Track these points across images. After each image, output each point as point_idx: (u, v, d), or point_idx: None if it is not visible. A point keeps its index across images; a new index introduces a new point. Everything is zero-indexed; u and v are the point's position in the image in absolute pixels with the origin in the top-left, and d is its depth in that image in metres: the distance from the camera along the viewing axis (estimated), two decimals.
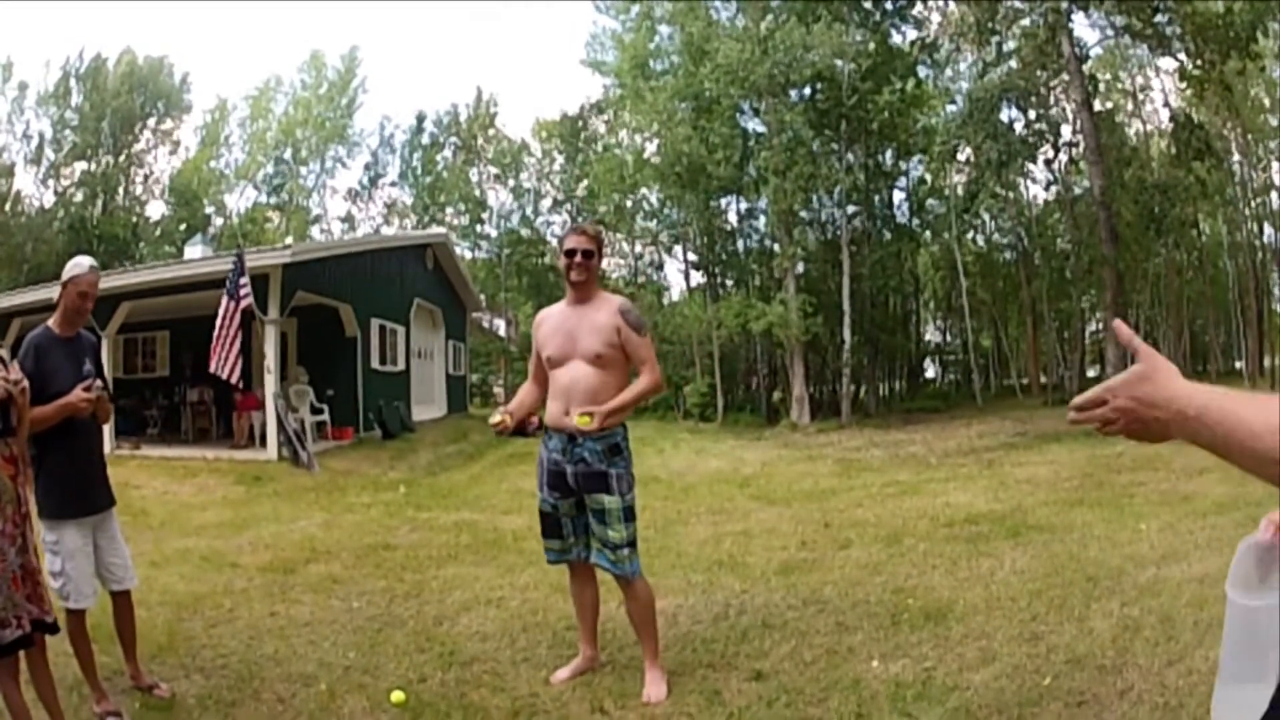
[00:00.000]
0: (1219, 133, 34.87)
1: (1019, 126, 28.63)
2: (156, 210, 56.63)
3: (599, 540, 5.65)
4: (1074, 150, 29.00)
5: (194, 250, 27.91)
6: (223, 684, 5.73)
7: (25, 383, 4.56)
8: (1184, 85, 28.02)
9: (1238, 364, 46.73)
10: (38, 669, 4.56)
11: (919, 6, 37.70)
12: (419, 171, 59.32)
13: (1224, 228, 44.51)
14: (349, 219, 60.83)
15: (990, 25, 26.94)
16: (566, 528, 5.78)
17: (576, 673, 5.80)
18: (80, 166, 52.18)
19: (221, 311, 17.11)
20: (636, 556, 5.70)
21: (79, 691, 5.26)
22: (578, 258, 5.77)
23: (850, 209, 37.65)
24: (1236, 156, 39.54)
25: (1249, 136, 39.23)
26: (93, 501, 5.32)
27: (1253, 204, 41.71)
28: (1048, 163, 31.82)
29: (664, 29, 39.94)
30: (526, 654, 6.27)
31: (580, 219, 53.71)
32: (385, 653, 6.36)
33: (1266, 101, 38.76)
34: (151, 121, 54.93)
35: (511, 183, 57.53)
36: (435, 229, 48.53)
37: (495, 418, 5.78)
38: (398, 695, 5.38)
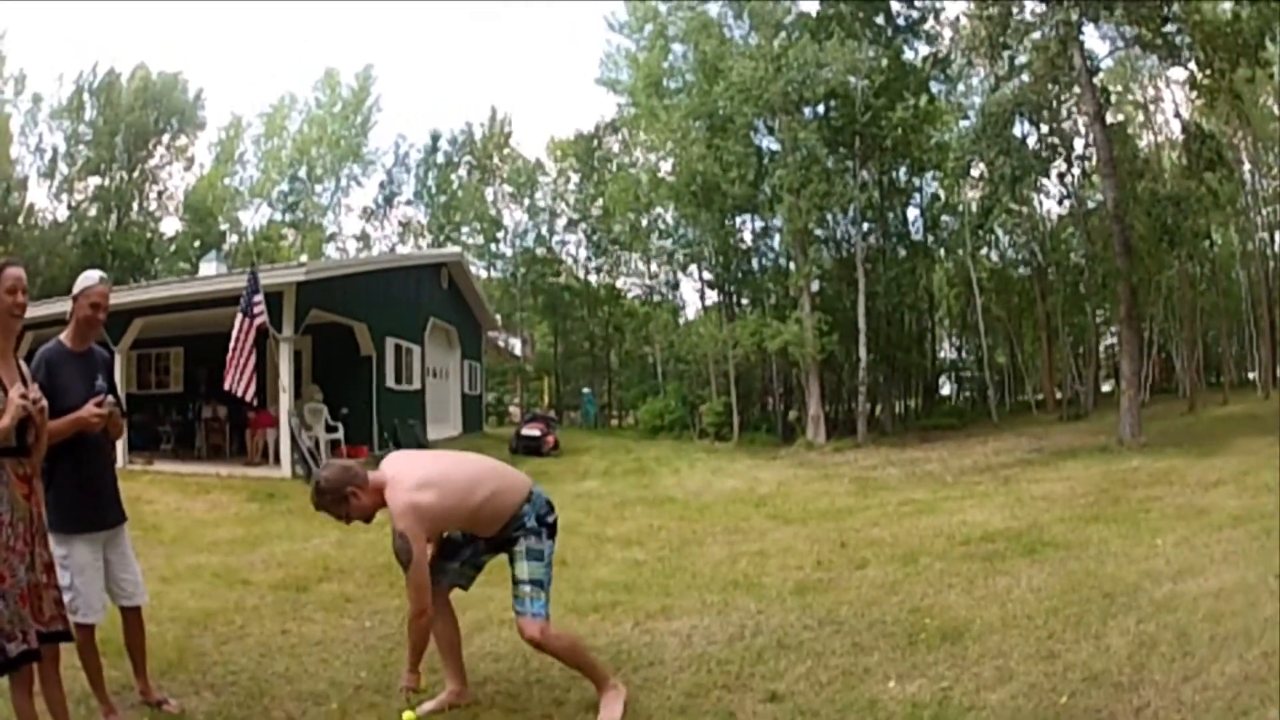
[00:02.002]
0: (1230, 142, 34.78)
1: (1032, 141, 28.56)
2: (171, 226, 56.98)
3: (511, 580, 5.61)
4: (1087, 164, 28.93)
5: (208, 267, 28.03)
6: (233, 701, 5.71)
7: (44, 402, 4.55)
8: (1194, 95, 27.94)
9: (1251, 375, 46.66)
10: (49, 682, 4.56)
11: (931, 22, 37.83)
12: (434, 190, 59.56)
13: (1236, 238, 44.45)
14: (364, 237, 61.14)
15: (1001, 39, 26.87)
16: (464, 554, 5.83)
17: (443, 706, 5.67)
18: (94, 181, 52.39)
19: (236, 329, 17.12)
20: (543, 598, 5.54)
21: (87, 704, 5.24)
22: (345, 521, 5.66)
23: (865, 226, 37.77)
24: (1247, 166, 39.54)
25: (1259, 145, 39.21)
26: (103, 516, 5.31)
27: (1264, 213, 41.69)
28: (1061, 177, 31.69)
29: (678, 48, 40.10)
30: (539, 675, 6.22)
31: (595, 238, 53.93)
32: (397, 672, 6.29)
33: (1276, 109, 38.71)
34: (165, 137, 55.11)
35: (526, 202, 57.80)
36: (450, 248, 48.71)
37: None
38: (409, 715, 5.34)
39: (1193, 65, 25.44)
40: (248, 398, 17.39)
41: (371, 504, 5.43)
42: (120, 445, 5.83)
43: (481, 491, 5.54)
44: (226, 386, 17.19)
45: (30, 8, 70.33)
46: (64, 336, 5.30)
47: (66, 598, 4.87)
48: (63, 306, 5.63)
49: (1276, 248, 42.93)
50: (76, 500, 5.11)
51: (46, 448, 4.70)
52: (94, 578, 5.16)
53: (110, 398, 5.15)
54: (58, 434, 4.81)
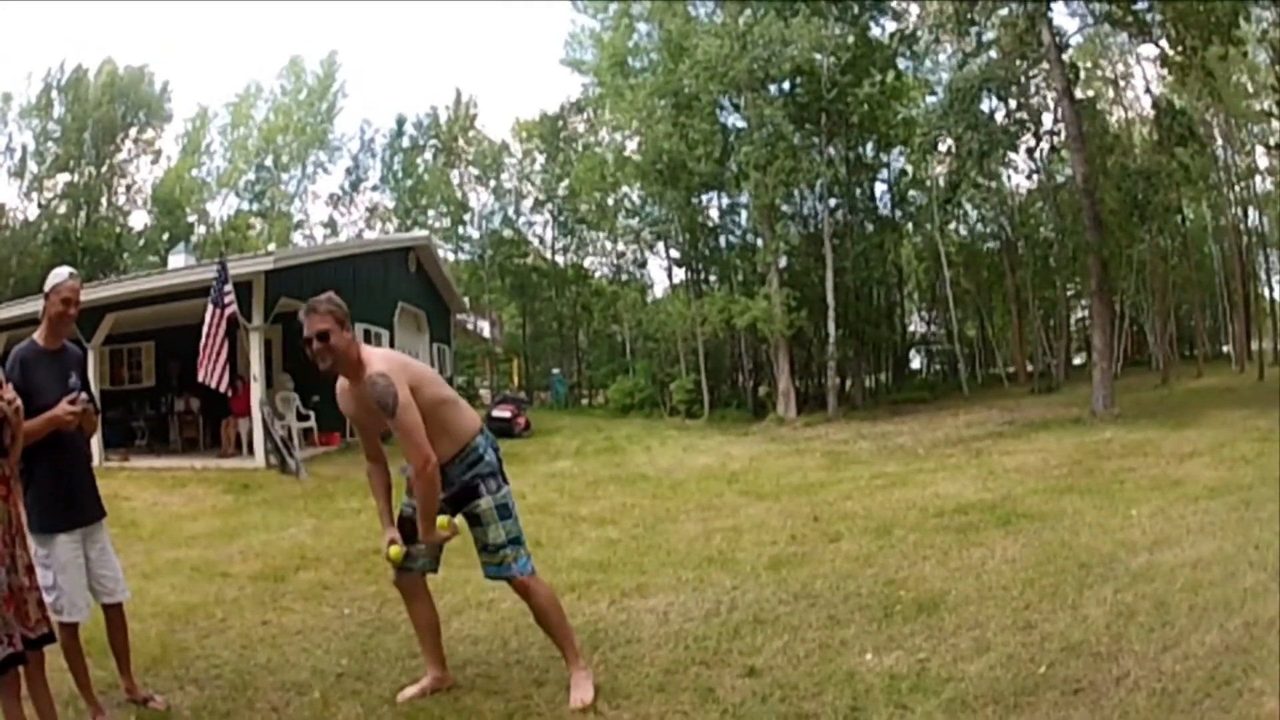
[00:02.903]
0: (1201, 118, 34.96)
1: (1000, 116, 28.63)
2: (139, 220, 56.43)
3: (479, 548, 5.57)
4: (1056, 139, 28.94)
5: (177, 259, 27.82)
6: (217, 694, 5.71)
7: (19, 402, 4.55)
8: (1165, 72, 28.03)
9: (1224, 348, 47.03)
10: (36, 685, 4.56)
11: None
12: (400, 175, 59.17)
13: (1208, 213, 44.77)
14: (331, 224, 60.65)
15: (969, 15, 26.89)
16: None
17: (424, 691, 5.60)
18: (63, 178, 51.85)
19: (207, 320, 17.06)
20: (524, 554, 5.56)
21: (75, 706, 5.24)
22: (314, 344, 5.26)
23: (832, 202, 37.84)
24: (1220, 141, 39.65)
25: (1232, 121, 39.37)
26: (82, 513, 5.30)
27: (1237, 188, 41.89)
28: (1029, 152, 31.75)
29: (642, 26, 40.01)
30: (519, 656, 6.26)
31: (562, 218, 53.80)
32: (378, 659, 6.35)
33: (1249, 86, 38.88)
34: (133, 131, 54.50)
35: (493, 184, 57.52)
36: (417, 232, 48.43)
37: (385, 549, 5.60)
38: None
39: (1164, 43, 25.52)
40: (221, 388, 17.35)
41: (349, 350, 5.25)
42: (95, 442, 5.81)
43: (446, 392, 5.58)
44: (200, 378, 17.14)
45: None
46: (37, 335, 5.29)
47: (50, 597, 4.88)
48: (35, 306, 5.63)
49: (1249, 223, 43.19)
50: (55, 499, 5.11)
51: (22, 448, 4.69)
52: (76, 576, 5.16)
53: (84, 395, 5.14)
54: (34, 434, 4.80)
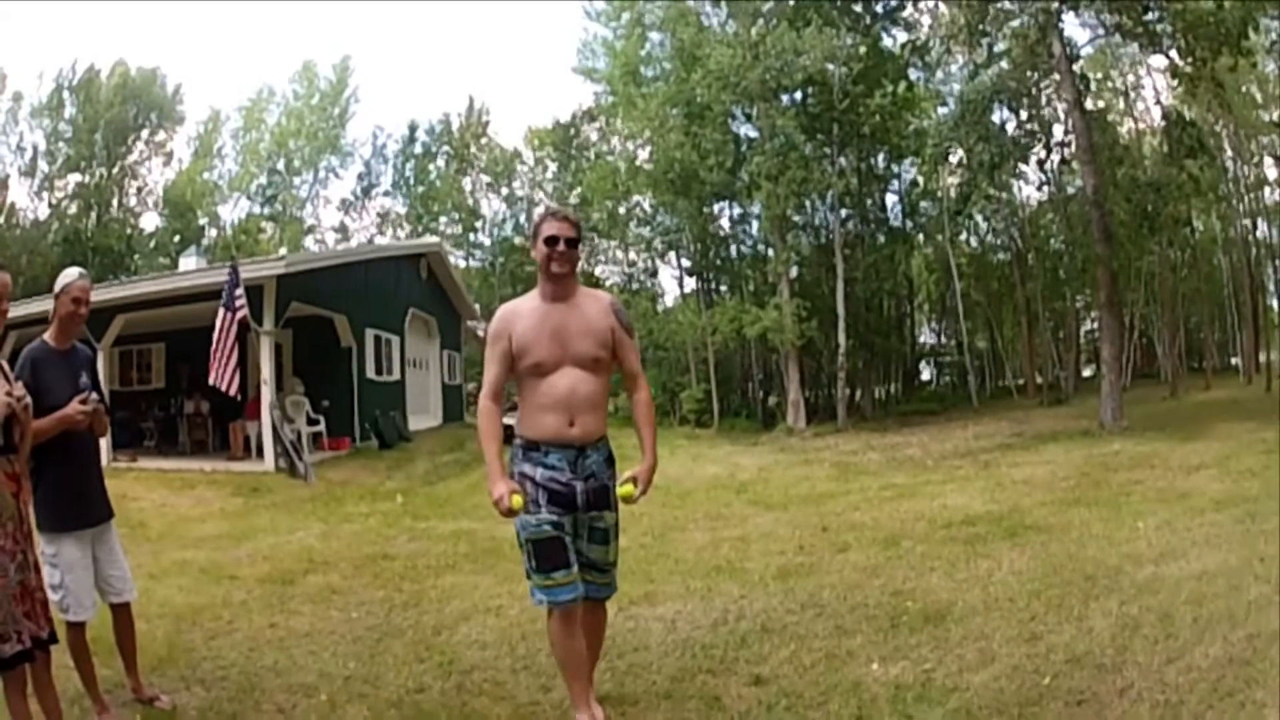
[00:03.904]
0: (1211, 129, 34.90)
1: (1011, 127, 28.60)
2: (150, 222, 56.65)
3: (592, 564, 5.02)
4: (1066, 150, 28.94)
5: (188, 262, 27.91)
6: (223, 695, 5.72)
7: (28, 399, 4.56)
8: (1175, 83, 28.02)
9: (1233, 360, 46.92)
10: (42, 683, 4.57)
11: (909, 9, 37.83)
12: (412, 181, 59.40)
13: (1218, 224, 44.68)
14: (342, 229, 60.95)
15: (981, 26, 26.87)
16: (571, 553, 4.86)
17: None
18: (74, 179, 52.08)
19: (218, 324, 17.12)
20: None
21: (80, 704, 5.24)
22: (560, 246, 4.88)
23: (843, 213, 37.86)
24: (1229, 152, 39.58)
25: (1241, 132, 39.29)
26: (91, 513, 5.31)
27: (1246, 200, 41.82)
28: (1040, 163, 31.72)
29: (655, 36, 40.02)
30: (526, 662, 6.26)
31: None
32: (385, 662, 6.36)
33: (1259, 97, 38.84)
34: (144, 133, 54.75)
35: (504, 191, 57.84)
36: (429, 238, 48.48)
37: (506, 500, 4.71)
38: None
39: (1174, 53, 25.51)
40: (232, 391, 17.38)
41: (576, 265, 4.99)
42: (104, 443, 5.80)
43: None
44: (211, 380, 17.18)
45: (9, 7, 69.71)
46: (48, 335, 5.29)
47: (57, 596, 4.90)
48: (44, 305, 5.63)
49: (1258, 234, 43.12)
50: (64, 498, 5.12)
51: (32, 446, 4.71)
52: (84, 575, 5.16)
53: (94, 395, 5.16)
54: (43, 433, 4.81)
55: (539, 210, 54.04)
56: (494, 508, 4.78)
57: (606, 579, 5.14)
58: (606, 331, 4.99)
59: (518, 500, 4.72)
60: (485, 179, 58.42)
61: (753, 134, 36.64)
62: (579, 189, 50.43)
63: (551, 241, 4.86)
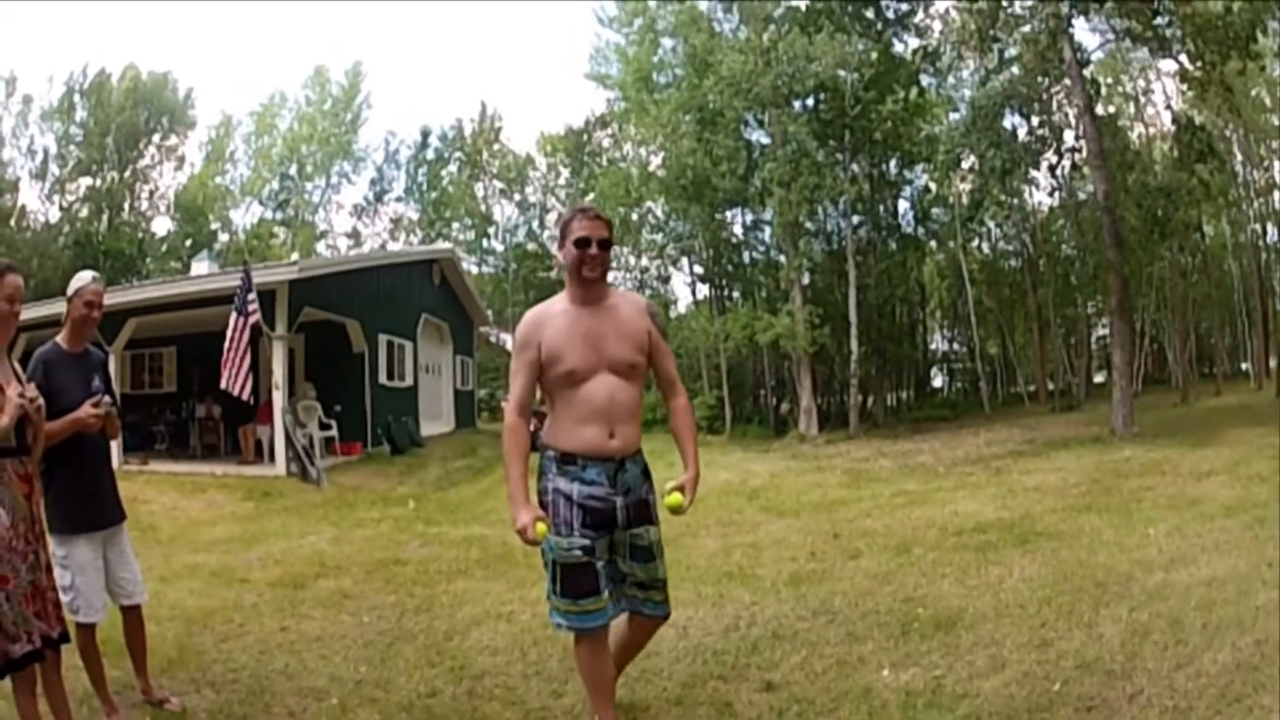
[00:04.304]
0: (1221, 134, 34.87)
1: (1022, 133, 28.60)
2: (162, 226, 56.61)
3: (639, 583, 4.86)
4: (1077, 155, 28.88)
5: (200, 266, 28.04)
6: (233, 698, 5.74)
7: (41, 400, 4.58)
8: (1185, 87, 27.97)
9: (1244, 365, 46.78)
10: (51, 683, 4.59)
11: (920, 15, 37.78)
12: (424, 186, 59.47)
13: (1228, 229, 44.53)
14: (355, 235, 61.08)
15: (991, 32, 26.86)
16: (603, 578, 4.70)
17: None
18: (85, 182, 52.09)
19: (230, 328, 17.13)
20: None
21: (89, 705, 5.27)
22: (592, 249, 4.67)
23: (855, 219, 37.82)
24: (1239, 157, 39.51)
25: (1251, 137, 39.22)
26: (103, 515, 5.35)
27: (1256, 205, 41.67)
28: (1051, 169, 31.66)
29: (667, 42, 39.97)
30: (538, 668, 6.27)
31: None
32: (396, 667, 6.37)
33: (1268, 101, 38.78)
34: (156, 137, 54.77)
35: (517, 197, 57.84)
36: (441, 244, 48.53)
37: (531, 531, 4.46)
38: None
39: (1183, 58, 25.49)
40: (244, 396, 17.40)
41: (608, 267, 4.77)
42: (115, 446, 5.82)
43: None
44: (223, 385, 17.18)
45: (20, 8, 69.99)
46: (60, 338, 5.34)
47: (67, 598, 4.93)
48: (56, 308, 5.65)
49: (1269, 239, 42.98)
50: (76, 500, 5.15)
51: (44, 449, 4.74)
52: (94, 577, 5.20)
53: (107, 398, 5.18)
54: (55, 435, 4.85)
55: (559, 212, 54.31)
56: (519, 536, 4.53)
57: (660, 595, 4.95)
58: (643, 335, 4.86)
59: (542, 529, 4.50)
60: (498, 185, 58.49)
61: (765, 140, 36.59)
62: (591, 195, 50.39)
63: (583, 243, 4.68)
